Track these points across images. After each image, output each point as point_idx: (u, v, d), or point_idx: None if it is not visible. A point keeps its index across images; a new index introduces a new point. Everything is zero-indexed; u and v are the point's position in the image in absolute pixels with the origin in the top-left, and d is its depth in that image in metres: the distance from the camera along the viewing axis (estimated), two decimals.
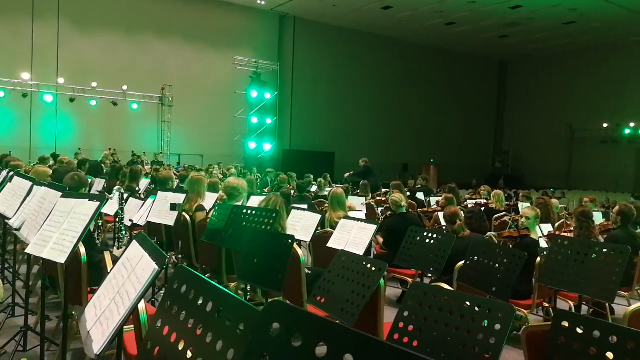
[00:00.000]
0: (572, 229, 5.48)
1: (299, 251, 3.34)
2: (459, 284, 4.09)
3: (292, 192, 8.18)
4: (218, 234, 3.88)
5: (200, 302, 1.25)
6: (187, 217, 4.71)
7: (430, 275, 4.53)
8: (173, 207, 4.41)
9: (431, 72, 24.09)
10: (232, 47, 18.79)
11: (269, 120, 19.74)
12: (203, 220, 4.60)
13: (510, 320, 1.88)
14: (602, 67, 22.34)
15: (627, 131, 21.53)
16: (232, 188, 4.73)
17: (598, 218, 6.94)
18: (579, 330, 1.71)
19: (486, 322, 1.94)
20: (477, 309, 2.00)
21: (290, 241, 2.96)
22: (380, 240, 5.86)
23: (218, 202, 4.80)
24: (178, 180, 7.61)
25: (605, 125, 22.10)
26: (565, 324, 1.75)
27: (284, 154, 19.91)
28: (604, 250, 3.84)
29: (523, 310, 4.33)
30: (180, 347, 1.24)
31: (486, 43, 22.87)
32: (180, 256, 4.88)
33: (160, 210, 4.55)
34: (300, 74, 20.45)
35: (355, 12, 19.20)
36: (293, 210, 4.87)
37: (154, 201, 4.71)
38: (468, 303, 2.03)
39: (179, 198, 4.53)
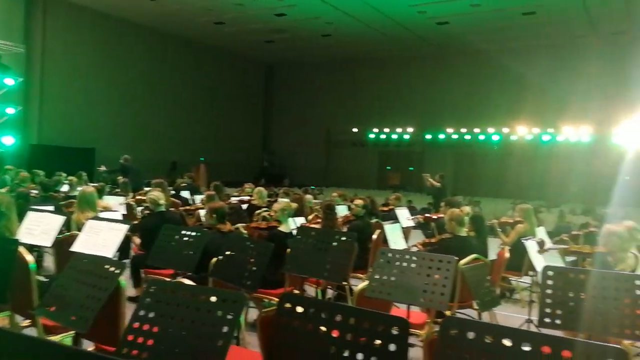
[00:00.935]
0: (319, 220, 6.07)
1: (28, 257, 2.96)
2: (214, 280, 4.15)
3: (36, 191, 7.24)
4: None
5: None
6: None
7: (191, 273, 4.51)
8: None
9: (202, 71, 24.04)
10: None
11: (10, 110, 17.03)
12: None
13: (241, 309, 1.97)
14: (356, 78, 25.35)
15: (371, 135, 24.84)
16: None
17: (344, 210, 7.81)
18: (299, 310, 1.89)
19: (220, 312, 1.99)
20: (213, 300, 2.04)
21: (14, 247, 2.59)
22: (138, 241, 5.60)
23: None
24: None
25: (354, 130, 25.12)
26: (288, 305, 1.91)
27: (30, 149, 17.49)
28: (342, 239, 4.33)
29: (275, 299, 4.60)
30: None
31: (255, 46, 23.80)
32: None
33: None
34: (54, 60, 18.22)
35: None
36: (30, 212, 4.30)
37: None
38: (204, 296, 2.06)
39: None
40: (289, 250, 4.58)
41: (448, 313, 4.70)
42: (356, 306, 3.60)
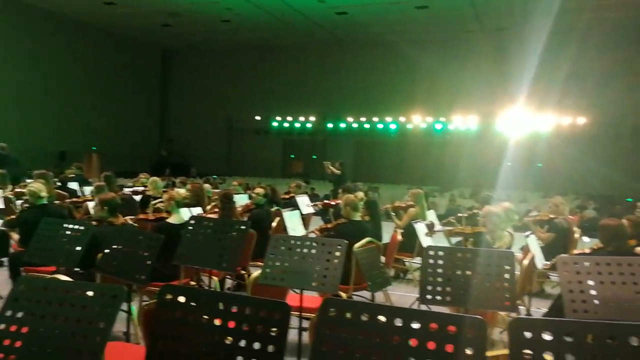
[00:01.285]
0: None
1: None
2: (102, 275, 3.95)
3: None
4: None
5: None
6: None
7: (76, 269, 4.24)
8: None
9: (94, 55, 22.49)
10: None
11: None
12: None
13: (120, 303, 1.89)
14: (257, 66, 25.07)
15: (274, 124, 24.79)
16: None
17: (244, 199, 7.75)
18: (181, 300, 1.85)
19: (97, 307, 1.90)
20: (89, 295, 1.94)
21: None
22: (16, 237, 5.16)
23: None
24: None
25: (257, 117, 24.93)
26: (169, 296, 1.87)
27: None
28: (239, 228, 4.28)
29: None
30: None
31: (150, 29, 22.72)
32: None
33: None
34: None
35: None
36: None
37: None
38: (80, 291, 1.95)
39: None
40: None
41: (344, 295, 4.86)
42: (251, 295, 3.61)
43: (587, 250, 4.97)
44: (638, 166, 19.04)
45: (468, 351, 1.54)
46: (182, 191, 5.30)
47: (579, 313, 2.62)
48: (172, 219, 4.68)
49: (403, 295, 6.41)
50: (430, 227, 6.54)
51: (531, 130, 20.07)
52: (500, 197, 13.64)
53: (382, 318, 1.64)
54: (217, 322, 1.78)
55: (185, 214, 4.98)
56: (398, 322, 1.62)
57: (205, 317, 1.80)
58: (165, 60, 27.29)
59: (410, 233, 6.43)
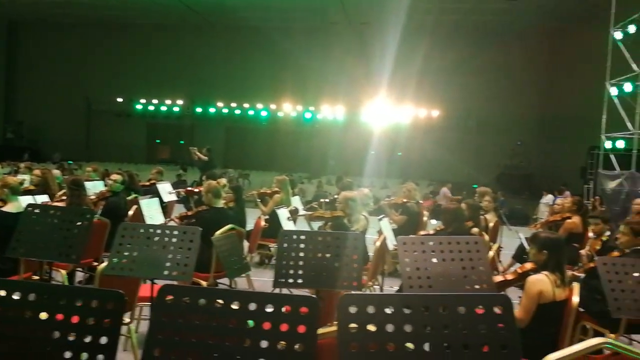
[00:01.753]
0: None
1: None
2: None
3: None
4: None
5: None
6: None
7: None
8: None
9: None
10: None
11: None
12: None
13: None
14: (119, 45, 23.40)
15: (138, 106, 23.43)
16: None
17: (99, 186, 7.24)
18: (16, 297, 1.69)
19: None
20: None
21: None
22: None
23: None
24: None
25: (119, 99, 23.38)
26: (2, 292, 1.70)
27: None
28: (89, 216, 4.00)
29: None
30: None
31: None
32: None
33: None
34: None
35: None
36: None
37: None
38: None
39: None
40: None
41: (204, 283, 4.80)
42: (99, 287, 3.40)
43: (432, 232, 5.46)
44: (483, 156, 21.28)
45: (300, 329, 1.61)
46: (22, 177, 4.79)
47: (415, 288, 2.87)
48: (9, 207, 4.23)
49: (268, 280, 6.50)
50: (294, 212, 6.70)
51: (393, 121, 21.38)
52: (364, 184, 14.44)
53: (220, 302, 1.65)
54: (42, 316, 1.65)
55: (25, 202, 4.52)
56: (235, 305, 1.64)
57: (29, 312, 1.66)
58: (11, 34, 24.35)
59: (275, 219, 6.52)
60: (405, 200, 6.94)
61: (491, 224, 6.43)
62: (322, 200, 6.93)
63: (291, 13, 20.25)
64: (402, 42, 16.67)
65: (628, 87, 10.89)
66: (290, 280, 3.13)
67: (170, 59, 23.19)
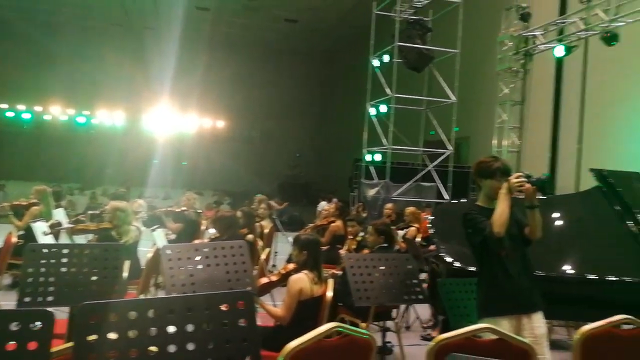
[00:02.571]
0: None
1: None
2: None
3: None
4: None
5: None
6: None
7: None
8: None
9: None
10: None
11: None
12: None
13: None
14: None
15: None
16: None
17: None
18: None
19: None
20: None
21: None
22: None
23: None
24: None
25: None
26: None
27: None
28: None
29: None
30: None
31: None
32: None
33: None
34: None
35: None
36: None
37: None
38: None
39: None
40: None
41: None
42: None
43: (206, 240, 5.48)
44: (266, 166, 22.24)
45: (31, 346, 1.47)
46: None
47: (177, 287, 2.86)
48: None
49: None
50: (56, 226, 6.03)
51: (177, 130, 20.93)
52: (147, 194, 13.75)
53: None
54: None
55: None
56: None
57: None
58: None
59: (31, 234, 5.78)
60: (184, 208, 6.84)
61: (266, 230, 6.74)
62: (89, 212, 6.39)
63: (58, 7, 18.32)
64: (185, 51, 16.50)
65: (383, 108, 12.60)
66: (40, 299, 2.81)
67: None
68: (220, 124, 21.95)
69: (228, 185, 20.63)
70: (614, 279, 3.89)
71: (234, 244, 3.19)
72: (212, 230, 7.29)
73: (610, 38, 8.03)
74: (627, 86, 9.09)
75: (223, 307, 1.66)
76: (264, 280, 3.77)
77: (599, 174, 4.66)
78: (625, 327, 2.24)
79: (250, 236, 5.59)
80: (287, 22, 19.77)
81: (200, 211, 7.45)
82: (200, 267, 3.02)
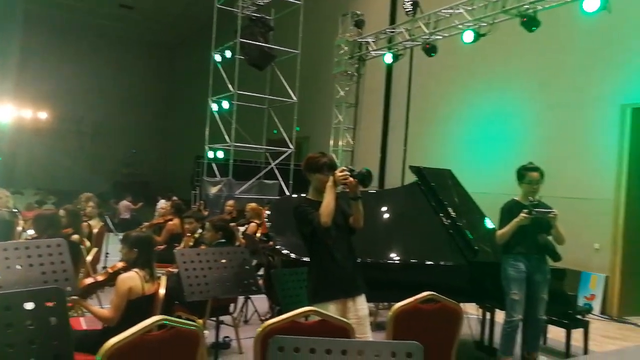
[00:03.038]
0: None
1: None
2: None
3: None
4: None
5: None
6: None
7: None
8: None
9: None
10: None
11: None
12: None
13: None
14: None
15: None
16: None
17: None
18: None
19: None
20: None
21: None
22: None
23: None
24: None
25: None
26: None
27: None
28: None
29: None
30: None
31: None
32: None
33: None
34: None
35: None
36: None
37: None
38: None
39: None
40: None
41: None
42: None
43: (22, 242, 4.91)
44: (100, 163, 20.60)
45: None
46: None
47: None
48: None
49: None
50: None
51: None
52: None
53: None
54: None
55: None
56: None
57: None
58: None
59: None
60: None
61: (95, 230, 6.26)
62: None
63: None
64: None
65: (226, 104, 12.47)
66: None
67: None
68: (43, 115, 19.73)
69: (54, 183, 18.69)
70: (431, 263, 4.39)
71: (50, 242, 2.91)
72: (30, 232, 6.56)
73: (429, 49, 8.97)
74: (443, 94, 10.25)
75: (28, 306, 1.52)
76: (89, 280, 3.51)
77: (417, 170, 5.20)
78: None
79: (75, 236, 5.14)
80: (123, 8, 18.53)
81: (16, 210, 6.64)
82: (8, 268, 2.71)
